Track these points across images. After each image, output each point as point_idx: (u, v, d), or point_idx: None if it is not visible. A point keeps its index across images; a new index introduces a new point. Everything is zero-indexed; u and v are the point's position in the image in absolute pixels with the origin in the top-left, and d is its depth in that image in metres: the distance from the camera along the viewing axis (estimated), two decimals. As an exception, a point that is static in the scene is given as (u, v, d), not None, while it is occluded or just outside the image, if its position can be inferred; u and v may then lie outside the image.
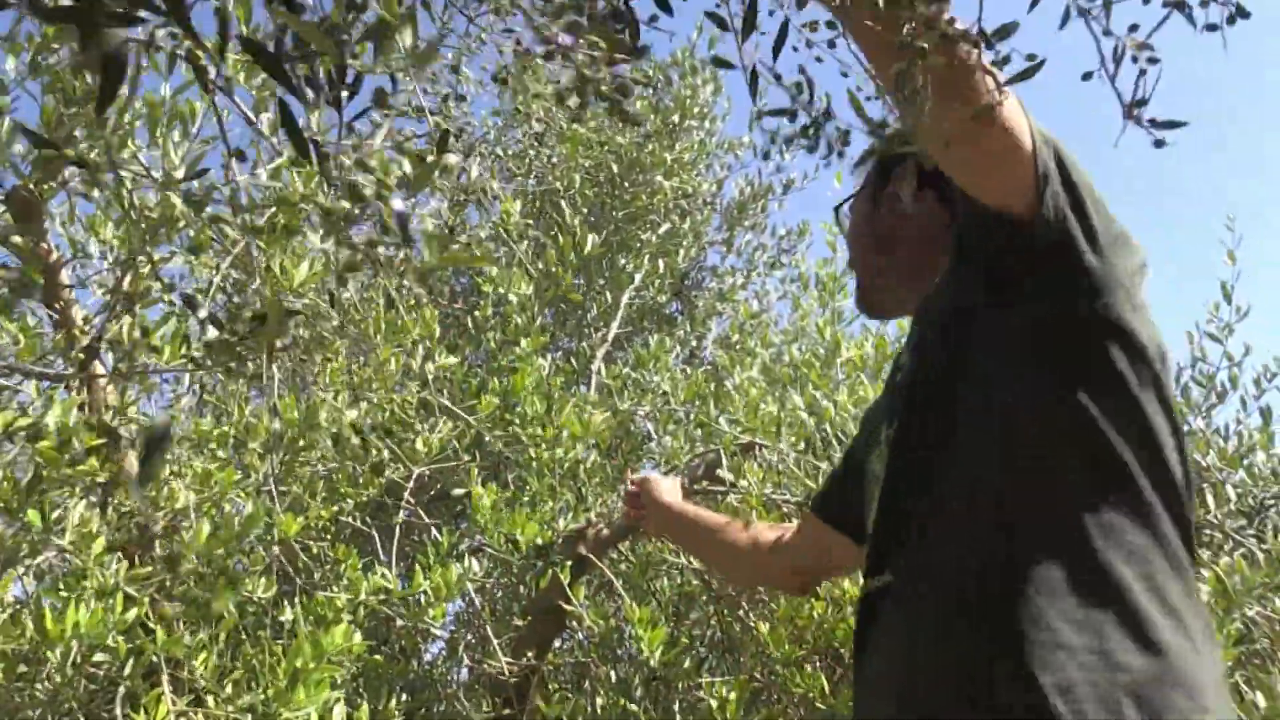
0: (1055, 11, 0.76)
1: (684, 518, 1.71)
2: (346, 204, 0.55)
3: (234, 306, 1.07)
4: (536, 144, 3.82)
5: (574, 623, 2.77)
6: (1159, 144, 1.18)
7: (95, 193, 1.64)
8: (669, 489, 1.78)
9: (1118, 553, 1.02)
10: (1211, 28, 0.78)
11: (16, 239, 1.74)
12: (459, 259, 0.57)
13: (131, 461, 1.70)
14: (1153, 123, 0.95)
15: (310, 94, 0.65)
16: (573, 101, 0.63)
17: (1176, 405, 1.12)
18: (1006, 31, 0.77)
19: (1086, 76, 0.97)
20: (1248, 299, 2.80)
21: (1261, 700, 1.73)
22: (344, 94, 0.61)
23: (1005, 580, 1.02)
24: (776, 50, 0.83)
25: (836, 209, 1.50)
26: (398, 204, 0.57)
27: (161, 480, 1.66)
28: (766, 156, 2.55)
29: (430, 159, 0.71)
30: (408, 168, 0.60)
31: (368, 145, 0.63)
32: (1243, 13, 0.76)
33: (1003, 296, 1.11)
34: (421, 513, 2.10)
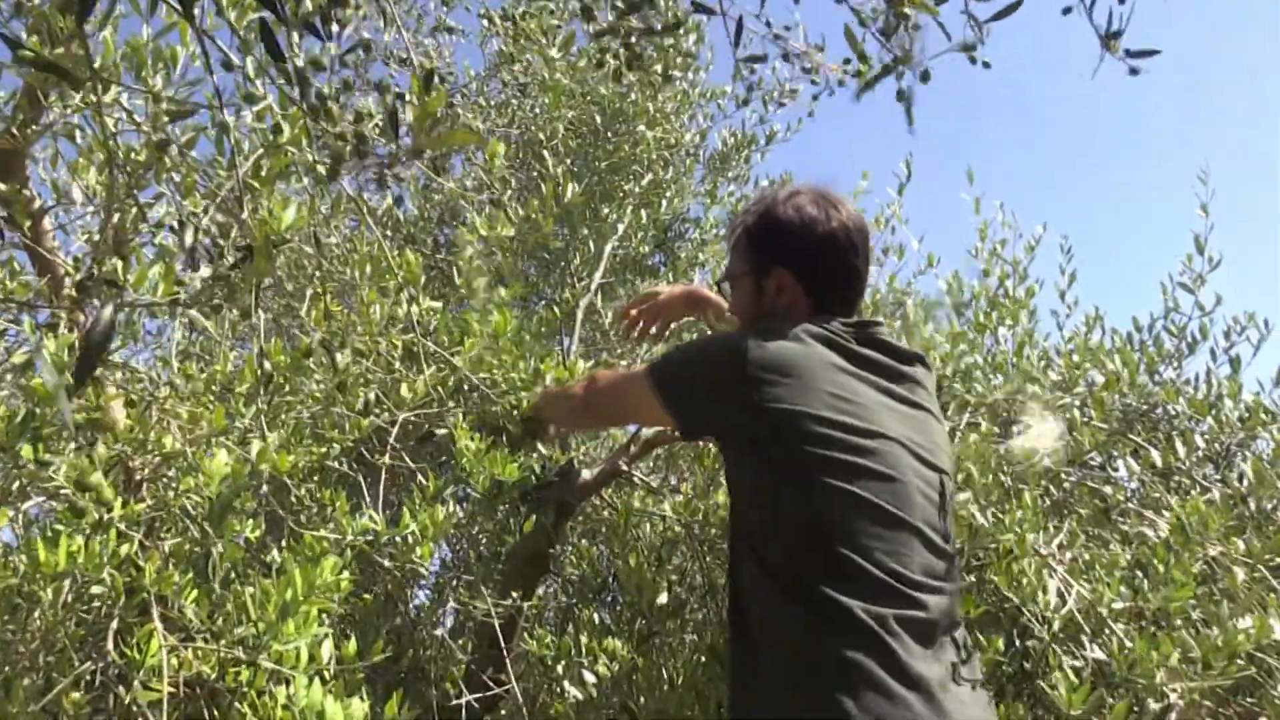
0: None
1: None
2: (334, 105, 0.57)
3: (221, 242, 1.09)
4: (520, 94, 3.81)
5: (559, 567, 2.82)
6: (1134, 72, 1.22)
7: (78, 136, 1.64)
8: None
9: None
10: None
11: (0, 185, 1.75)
12: (447, 140, 0.59)
13: (117, 407, 1.72)
14: (1127, 52, 0.98)
15: (296, 32, 0.67)
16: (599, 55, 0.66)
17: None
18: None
19: (1066, 11, 1.01)
20: (1220, 250, 2.84)
21: (1218, 634, 1.80)
22: (334, 27, 0.63)
23: None
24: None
25: (718, 283, 1.87)
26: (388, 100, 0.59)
27: (149, 425, 1.68)
28: (744, 104, 2.57)
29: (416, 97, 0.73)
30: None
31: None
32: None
33: None
34: (407, 457, 2.13)
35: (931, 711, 1.27)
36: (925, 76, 1.40)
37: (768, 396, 1.42)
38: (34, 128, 1.75)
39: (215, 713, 1.64)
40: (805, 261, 1.65)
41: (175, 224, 1.12)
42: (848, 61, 1.60)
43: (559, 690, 2.57)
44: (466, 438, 1.64)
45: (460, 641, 2.72)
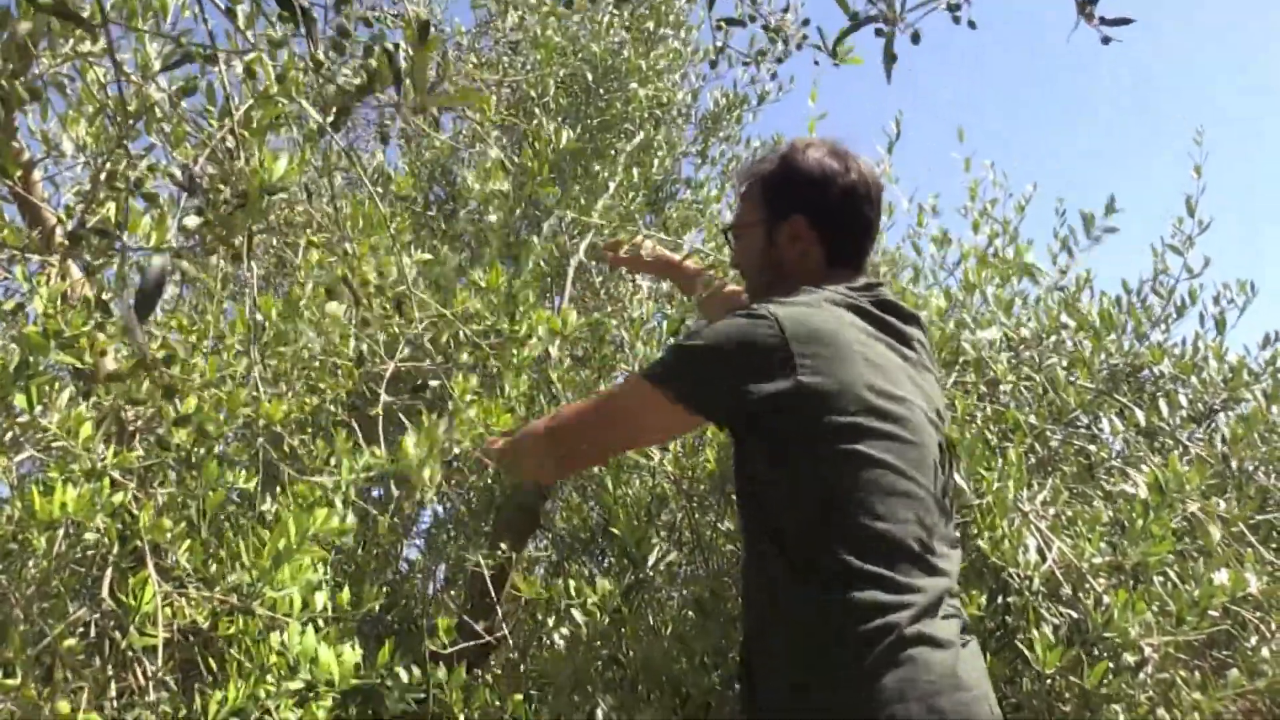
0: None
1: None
2: (334, 53, 0.58)
3: (215, 188, 1.09)
4: (510, 51, 3.78)
5: (549, 522, 2.85)
6: (1106, 40, 1.23)
7: (68, 87, 1.63)
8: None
9: None
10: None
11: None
12: (452, 99, 0.60)
13: (109, 357, 1.72)
14: (1102, 20, 0.99)
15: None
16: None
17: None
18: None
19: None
20: (1211, 212, 2.85)
21: (1194, 589, 1.84)
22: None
23: None
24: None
25: (725, 231, 1.85)
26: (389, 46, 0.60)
27: (140, 378, 1.69)
28: (714, 65, 2.56)
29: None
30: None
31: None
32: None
33: None
34: (401, 414, 2.15)
35: (948, 678, 1.28)
36: (915, 38, 1.39)
37: (810, 368, 1.39)
38: (23, 79, 1.74)
39: (210, 660, 1.67)
40: (824, 211, 1.65)
41: (176, 169, 1.12)
42: (806, 23, 1.62)
43: (549, 642, 2.61)
44: (462, 387, 1.64)
45: (451, 593, 2.75)
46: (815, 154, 1.67)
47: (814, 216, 1.66)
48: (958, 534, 1.56)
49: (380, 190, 2.66)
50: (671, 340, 2.24)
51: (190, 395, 1.42)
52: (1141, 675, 1.84)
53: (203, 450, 1.42)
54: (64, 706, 1.29)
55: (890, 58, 1.25)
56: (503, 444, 1.72)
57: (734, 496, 1.62)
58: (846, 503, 1.36)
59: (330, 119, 1.07)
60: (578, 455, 1.70)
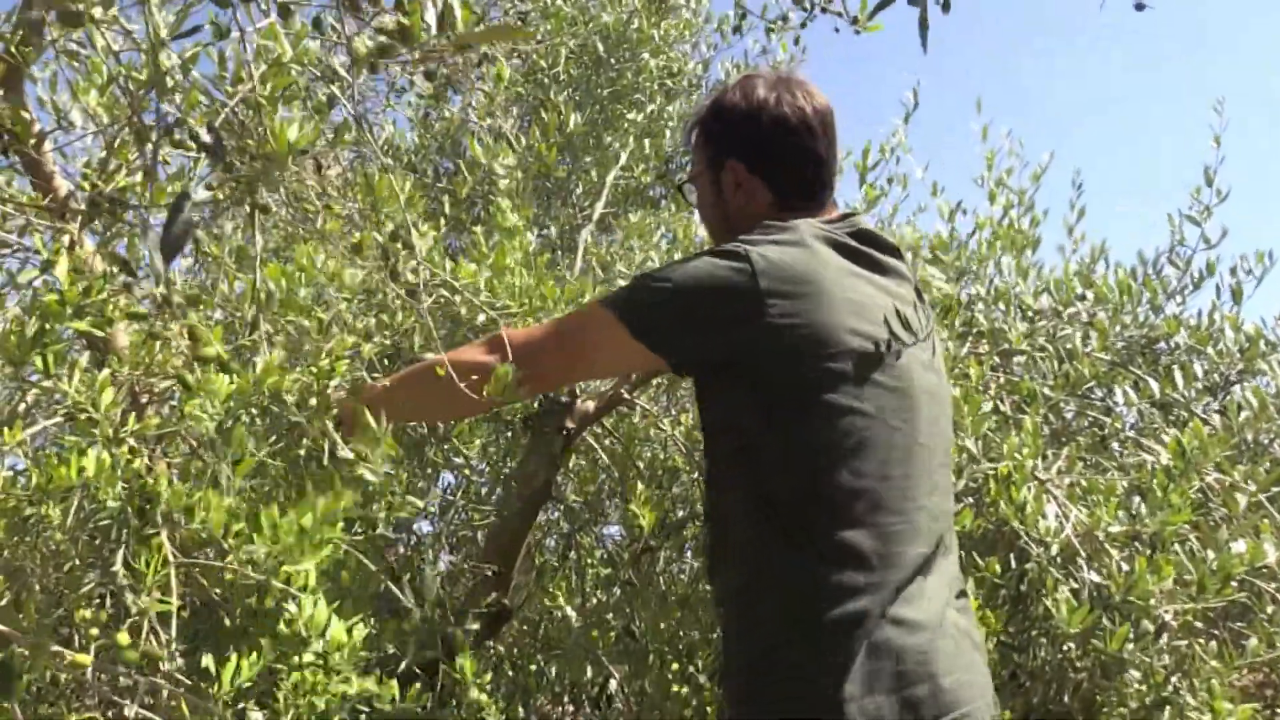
0: None
1: None
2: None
3: (239, 147, 1.08)
4: (520, 21, 3.75)
5: (560, 495, 2.85)
6: (1139, 7, 1.21)
7: (82, 52, 1.62)
8: None
9: None
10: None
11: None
12: (497, 33, 0.59)
13: (121, 335, 1.72)
14: (1135, -13, 0.97)
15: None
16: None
17: None
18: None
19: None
20: (1229, 182, 2.82)
21: (1212, 556, 1.83)
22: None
23: None
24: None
25: (678, 188, 1.73)
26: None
27: (154, 345, 1.69)
28: (737, 30, 2.53)
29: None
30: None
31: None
32: None
33: None
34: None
35: (921, 666, 1.22)
36: (946, 7, 1.36)
37: (785, 311, 1.28)
38: (33, 47, 1.73)
39: (223, 630, 1.68)
40: (755, 148, 1.50)
41: (202, 130, 1.11)
42: (829, -6, 1.57)
43: (559, 615, 2.62)
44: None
45: (462, 567, 2.76)
46: (747, 87, 1.51)
47: (747, 158, 1.51)
48: (951, 477, 1.46)
49: (390, 161, 2.64)
50: (638, 272, 1.99)
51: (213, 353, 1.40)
52: (1160, 643, 1.84)
53: (229, 421, 1.42)
54: (82, 658, 1.29)
55: (924, 27, 1.22)
56: (446, 356, 1.47)
57: (702, 446, 1.47)
58: (832, 461, 1.27)
59: (359, 76, 1.05)
60: (527, 382, 1.43)
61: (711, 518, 1.46)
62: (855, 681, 1.19)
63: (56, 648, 1.24)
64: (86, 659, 1.22)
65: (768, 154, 1.50)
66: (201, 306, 1.47)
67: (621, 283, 2.02)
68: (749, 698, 1.29)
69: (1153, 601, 1.79)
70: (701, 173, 1.58)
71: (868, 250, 1.42)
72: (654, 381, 2.94)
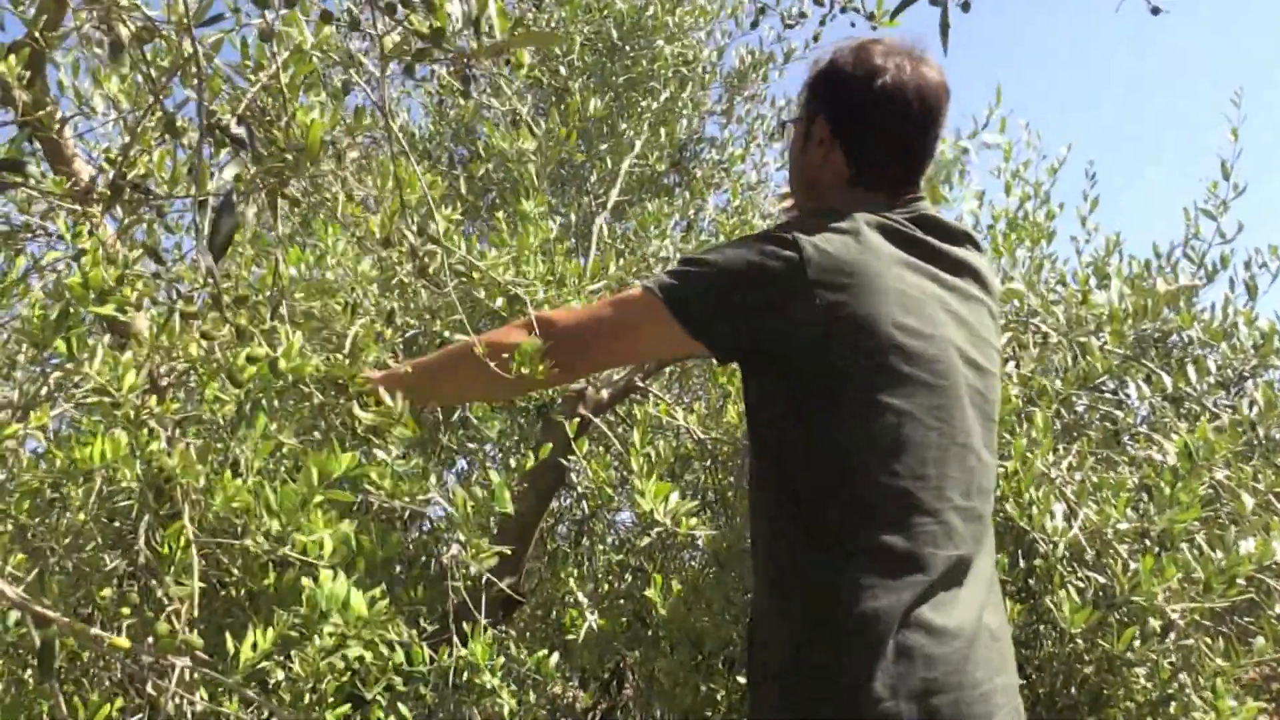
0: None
1: None
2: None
3: (267, 138, 1.09)
4: (535, 8, 3.75)
5: (573, 478, 2.87)
6: (1155, 11, 1.21)
7: (105, 39, 1.63)
8: None
9: None
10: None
11: (22, 93, 1.74)
12: (531, 38, 0.60)
13: (140, 319, 1.74)
14: (1152, -11, 0.97)
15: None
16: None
17: None
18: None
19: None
20: (1246, 177, 2.81)
21: (1220, 556, 1.84)
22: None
23: None
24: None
25: (781, 125, 1.56)
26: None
27: (173, 332, 1.70)
28: (755, 26, 2.53)
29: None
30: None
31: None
32: None
33: None
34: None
35: (950, 674, 1.19)
36: (965, 7, 1.35)
37: (830, 302, 1.24)
38: (56, 32, 1.74)
39: (241, 606, 1.70)
40: (846, 114, 1.43)
41: (232, 122, 1.12)
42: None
43: (571, 601, 2.64)
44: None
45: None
46: (869, 49, 1.42)
47: (837, 120, 1.44)
48: (994, 478, 1.40)
49: (406, 147, 2.65)
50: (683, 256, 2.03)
51: (258, 340, 1.41)
52: (1166, 641, 1.85)
53: (250, 404, 1.43)
54: (121, 641, 1.30)
55: (946, 29, 1.22)
56: (484, 339, 1.46)
57: (748, 442, 1.43)
58: (865, 459, 1.23)
59: (390, 71, 1.06)
60: (568, 365, 1.45)
61: (751, 514, 1.42)
62: (882, 684, 1.17)
63: (96, 631, 1.26)
64: (126, 642, 1.24)
65: (856, 123, 1.43)
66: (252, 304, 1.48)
67: (636, 270, 2.03)
68: (776, 698, 1.27)
69: (1158, 601, 1.80)
70: (799, 120, 1.52)
71: (928, 239, 1.36)
72: (667, 370, 2.95)
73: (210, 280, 1.15)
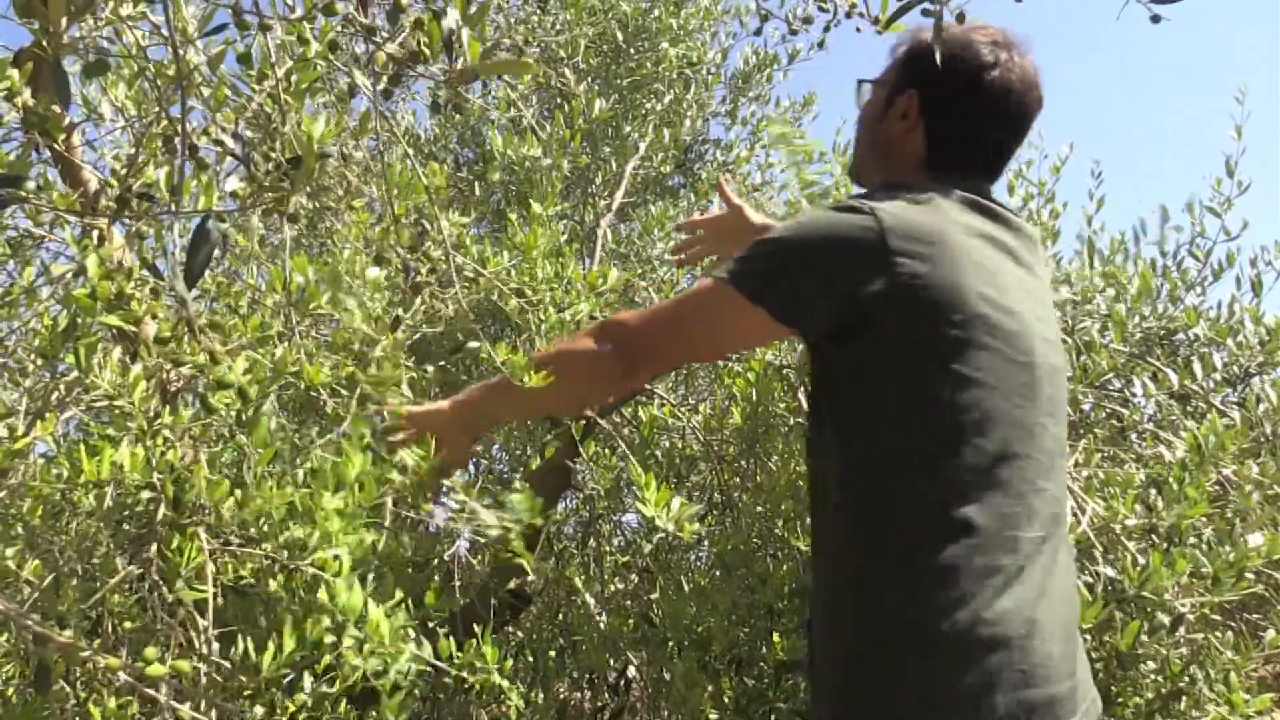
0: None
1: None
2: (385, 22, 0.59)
3: (266, 151, 1.10)
4: (540, 9, 3.76)
5: (579, 483, 2.88)
6: (1155, 19, 1.21)
7: (111, 48, 1.64)
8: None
9: None
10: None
11: (29, 100, 1.75)
12: (500, 67, 0.61)
13: (150, 324, 1.75)
14: None
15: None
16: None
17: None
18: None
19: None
20: (1251, 174, 2.80)
21: (1230, 551, 1.84)
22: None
23: None
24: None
25: (860, 83, 1.56)
26: (449, 21, 0.61)
27: (181, 338, 1.71)
28: (758, 33, 2.54)
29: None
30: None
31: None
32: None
33: None
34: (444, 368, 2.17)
35: (1051, 646, 1.14)
36: (960, 18, 1.35)
37: (913, 271, 1.18)
38: (63, 40, 1.75)
39: (255, 615, 1.71)
40: (941, 102, 1.40)
41: (228, 136, 1.13)
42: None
43: (578, 602, 2.65)
44: (506, 351, 1.61)
45: (480, 557, 2.79)
46: (978, 35, 1.39)
47: (928, 98, 1.41)
48: (1065, 460, 1.33)
49: (411, 152, 2.66)
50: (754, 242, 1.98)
51: (237, 358, 1.43)
52: (1176, 635, 1.85)
53: (250, 412, 1.44)
54: (114, 661, 1.31)
55: (939, 35, 1.23)
56: (552, 351, 1.42)
57: (808, 427, 1.36)
58: (950, 435, 1.17)
59: (381, 87, 1.07)
60: (644, 365, 1.40)
61: (811, 487, 1.37)
62: (976, 677, 1.10)
63: (88, 652, 1.26)
64: (117, 662, 1.25)
65: (950, 112, 1.41)
66: (226, 330, 1.49)
67: (640, 273, 2.03)
68: (849, 690, 1.19)
69: (1168, 596, 1.80)
70: (885, 85, 1.49)
71: (1004, 213, 1.34)
72: (672, 372, 2.96)
73: (183, 306, 1.15)
